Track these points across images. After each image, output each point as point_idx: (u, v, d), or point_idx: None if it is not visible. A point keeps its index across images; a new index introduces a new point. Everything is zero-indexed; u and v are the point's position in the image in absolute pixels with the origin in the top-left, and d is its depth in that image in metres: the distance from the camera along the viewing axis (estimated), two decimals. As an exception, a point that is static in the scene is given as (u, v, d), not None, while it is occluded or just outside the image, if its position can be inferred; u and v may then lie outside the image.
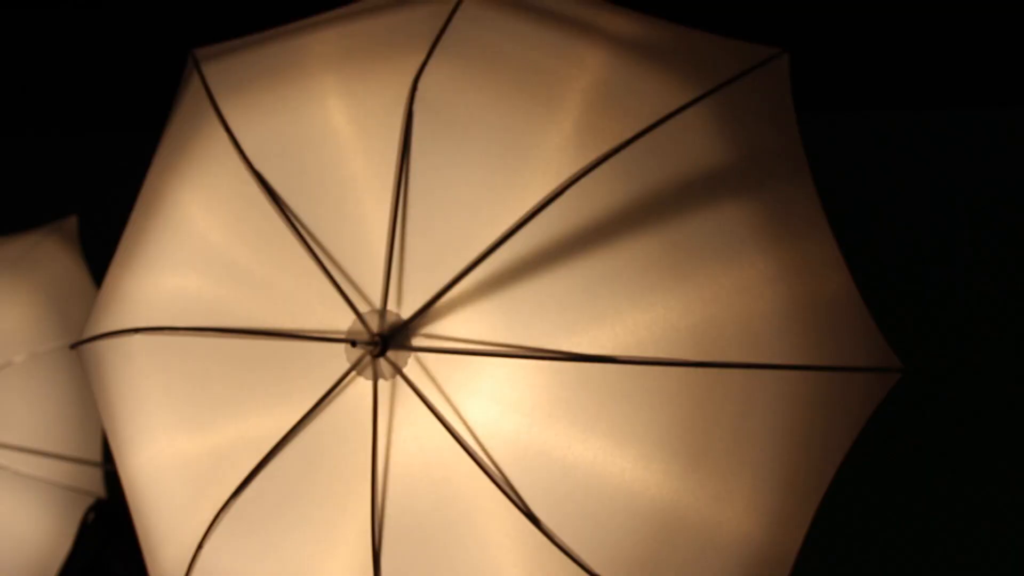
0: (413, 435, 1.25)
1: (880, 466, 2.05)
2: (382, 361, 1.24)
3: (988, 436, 2.01)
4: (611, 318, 1.19)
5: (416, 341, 1.24)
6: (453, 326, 1.23)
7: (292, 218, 1.30)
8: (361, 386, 1.26)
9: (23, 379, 2.08)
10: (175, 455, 1.37)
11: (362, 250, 1.27)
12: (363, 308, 1.26)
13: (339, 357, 1.27)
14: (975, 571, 2.01)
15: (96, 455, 2.13)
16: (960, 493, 2.02)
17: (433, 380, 1.23)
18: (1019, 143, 2.06)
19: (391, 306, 1.25)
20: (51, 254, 2.16)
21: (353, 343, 1.23)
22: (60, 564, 2.09)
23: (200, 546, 1.36)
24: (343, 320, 1.27)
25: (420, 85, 1.28)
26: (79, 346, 1.46)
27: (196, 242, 1.36)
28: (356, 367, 1.26)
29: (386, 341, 1.23)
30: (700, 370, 1.19)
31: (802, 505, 1.25)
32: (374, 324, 1.24)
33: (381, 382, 1.25)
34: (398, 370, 1.24)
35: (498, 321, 1.21)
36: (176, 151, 1.43)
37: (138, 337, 1.38)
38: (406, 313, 1.24)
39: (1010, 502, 1.99)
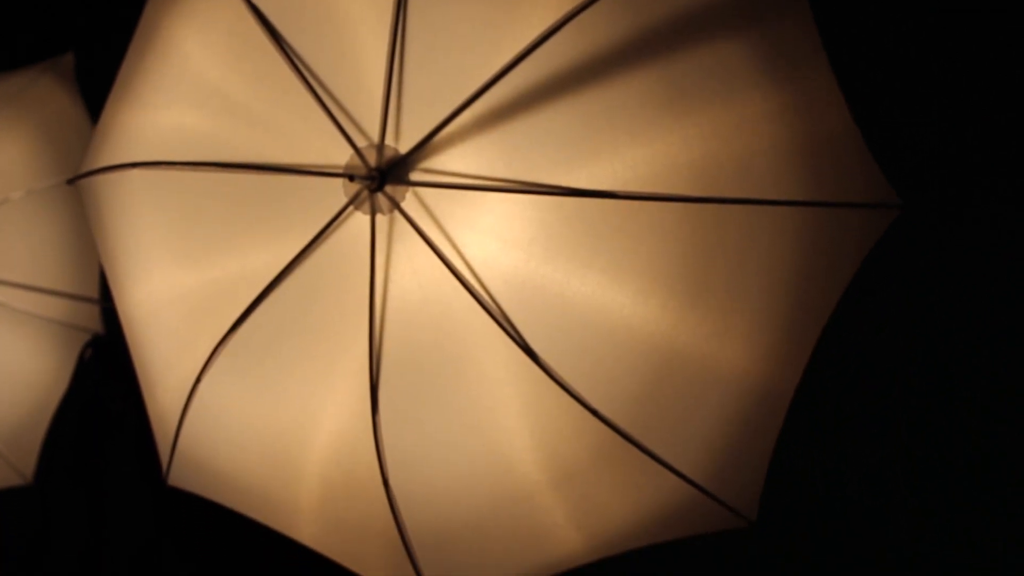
0: (411, 270, 1.25)
1: (879, 305, 2.05)
2: (380, 196, 1.24)
3: (987, 272, 2.01)
4: (609, 153, 1.19)
5: (414, 176, 1.23)
6: (451, 161, 1.22)
7: (290, 54, 1.28)
8: (359, 221, 1.26)
9: (20, 216, 2.08)
10: (172, 290, 1.37)
11: (360, 86, 1.26)
12: (361, 143, 1.25)
13: (336, 192, 1.27)
14: (978, 408, 2.03)
15: (94, 292, 2.14)
16: (959, 329, 2.03)
17: (431, 215, 1.23)
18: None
19: (389, 141, 1.24)
20: (47, 91, 2.15)
21: (351, 177, 1.23)
22: (58, 400, 2.11)
23: (198, 380, 1.37)
24: (341, 155, 1.26)
25: (417, -82, 1.26)
26: (76, 181, 1.46)
27: (193, 78, 1.35)
28: (354, 202, 1.26)
29: (384, 175, 1.23)
30: (699, 206, 1.19)
31: (800, 342, 1.25)
32: (372, 159, 1.24)
33: (379, 217, 1.25)
34: (396, 205, 1.23)
35: (496, 156, 1.21)
36: (172, -14, 1.41)
37: (136, 172, 1.38)
38: (404, 148, 1.23)
39: (1008, 339, 2.00)
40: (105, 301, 2.13)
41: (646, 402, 1.22)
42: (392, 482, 1.29)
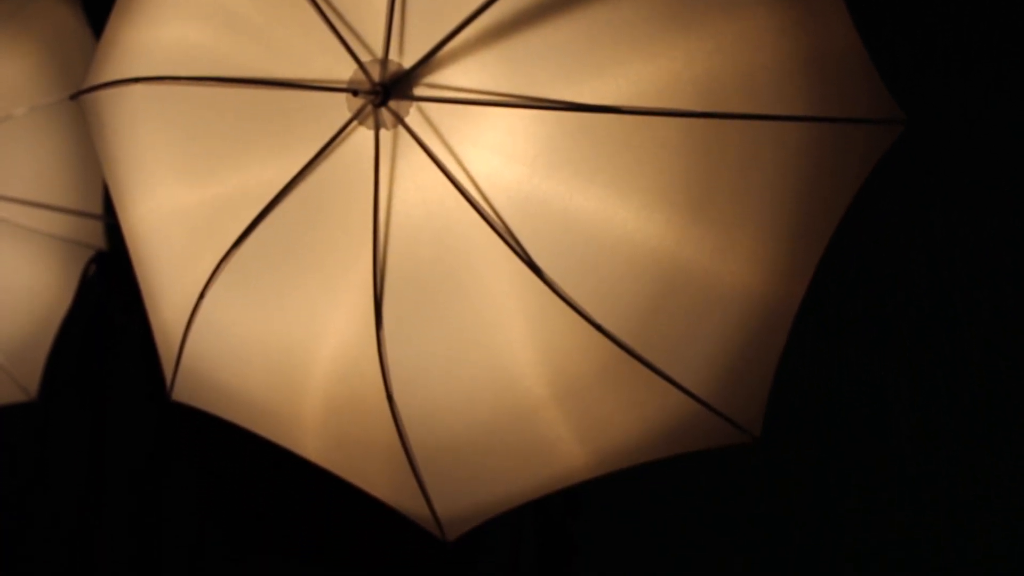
0: (415, 186, 1.25)
1: (883, 221, 2.05)
2: (384, 111, 1.24)
3: (990, 185, 2.01)
4: (613, 68, 1.18)
5: (418, 90, 1.23)
6: (455, 76, 1.22)
7: None
8: (362, 136, 1.26)
9: (24, 133, 2.07)
10: (176, 206, 1.37)
11: (364, 1, 1.25)
12: (365, 58, 1.24)
13: (340, 107, 1.26)
14: (981, 321, 2.03)
15: (97, 208, 2.14)
16: (962, 244, 2.03)
17: (435, 130, 1.23)
18: None
19: (393, 56, 1.23)
20: (50, 7, 2.14)
21: (355, 92, 1.22)
22: (62, 316, 2.11)
23: (201, 296, 1.37)
24: (344, 70, 1.26)
25: None
26: (79, 97, 1.45)
27: None
28: (357, 117, 1.25)
29: (388, 90, 1.22)
30: (703, 122, 1.19)
31: (804, 257, 1.25)
32: (375, 73, 1.23)
33: (383, 132, 1.24)
34: (400, 120, 1.23)
35: (500, 71, 1.20)
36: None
37: (139, 87, 1.37)
38: (408, 62, 1.23)
39: (1009, 251, 2.00)
40: (109, 217, 2.12)
41: (650, 317, 1.23)
42: (396, 397, 1.30)
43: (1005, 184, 1.98)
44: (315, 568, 2.15)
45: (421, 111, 1.23)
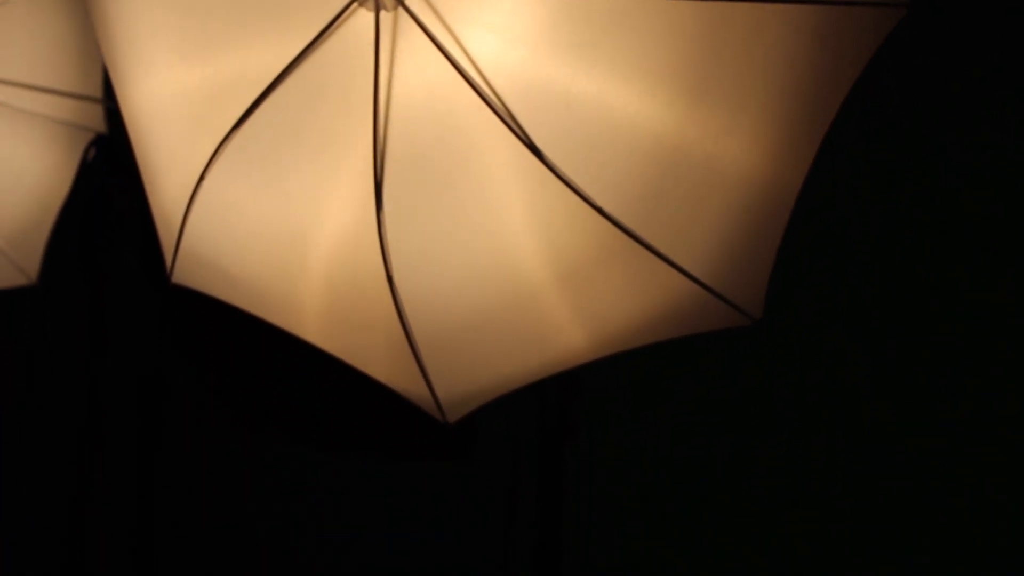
0: (415, 68, 1.24)
1: (885, 104, 2.04)
2: (384, -8, 1.23)
3: (990, 67, 2.00)
4: (616, -52, 1.17)
5: (418, -29, 1.22)
6: None
7: None
8: (362, 18, 1.25)
9: (23, 15, 2.06)
10: (176, 88, 1.36)
11: None
12: (364, -63, 1.23)
13: (340, -12, 1.25)
14: (980, 199, 2.03)
15: (97, 91, 2.12)
16: (963, 128, 2.02)
17: (435, 12, 1.22)
18: None
19: (393, -66, 1.22)
20: None
21: (354, -27, 1.21)
22: (62, 200, 2.11)
23: (201, 178, 1.36)
24: (344, -50, 1.24)
25: None
26: (77, -23, 1.44)
27: None
28: (357, -2, 1.24)
29: (387, -30, 1.21)
30: (705, 3, 1.17)
31: (806, 141, 1.25)
32: (375, -48, 1.22)
33: (383, 14, 1.23)
34: (400, 1, 1.22)
35: None
36: None
37: (137, -33, 1.36)
38: (408, -59, 1.22)
39: (1011, 154, 1.99)
40: (108, 100, 2.12)
41: (651, 200, 1.22)
42: (396, 280, 1.30)
43: (1007, 64, 1.97)
44: (315, 451, 2.16)
45: (421, -8, 1.22)
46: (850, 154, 2.05)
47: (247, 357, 2.09)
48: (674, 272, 1.24)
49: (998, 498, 2.04)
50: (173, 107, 1.37)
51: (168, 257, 1.46)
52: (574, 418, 1.46)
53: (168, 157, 1.41)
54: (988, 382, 2.04)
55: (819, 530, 2.23)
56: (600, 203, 1.22)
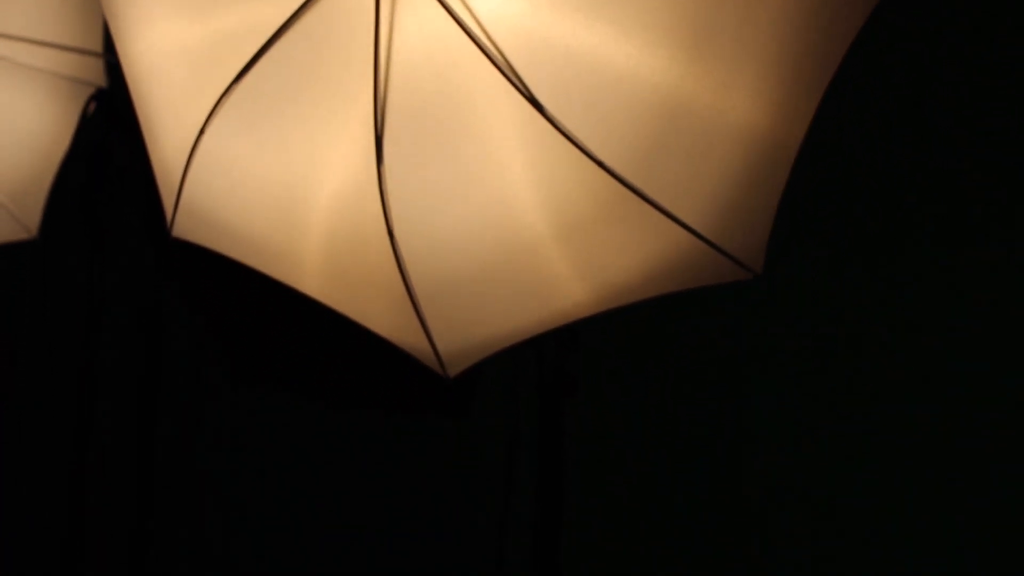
0: (416, 22, 1.24)
1: (885, 57, 2.04)
2: (384, -56, 1.22)
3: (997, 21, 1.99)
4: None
5: (420, -79, 1.21)
6: None
7: None
8: (363, -30, 1.25)
9: (23, -31, 2.06)
10: (176, 41, 1.36)
11: None
12: None
13: (341, -60, 1.25)
14: (982, 147, 2.03)
15: (97, 45, 2.12)
16: (963, 78, 2.02)
17: None
18: None
19: None
20: None
21: (355, -77, 1.21)
22: (62, 155, 2.10)
23: (202, 131, 1.36)
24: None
25: None
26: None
27: None
28: (357, -51, 1.24)
29: (389, -79, 1.21)
30: (708, -44, 1.17)
31: (807, 94, 1.24)
32: (376, -97, 1.22)
33: (383, -34, 1.23)
34: (400, -47, 1.22)
35: None
36: None
37: (137, -82, 1.35)
38: None
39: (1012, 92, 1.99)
40: (109, 54, 2.11)
41: (652, 155, 1.22)
42: (397, 233, 1.30)
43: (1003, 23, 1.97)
44: (314, 403, 2.17)
45: (422, -56, 1.22)
46: (853, 107, 2.04)
47: (247, 312, 2.09)
48: (675, 226, 1.24)
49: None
50: (173, 61, 1.37)
51: (168, 211, 1.46)
52: (574, 373, 1.46)
53: (168, 111, 1.41)
54: (1002, 332, 2.04)
55: (823, 486, 2.23)
56: (601, 157, 1.21)
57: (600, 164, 1.21)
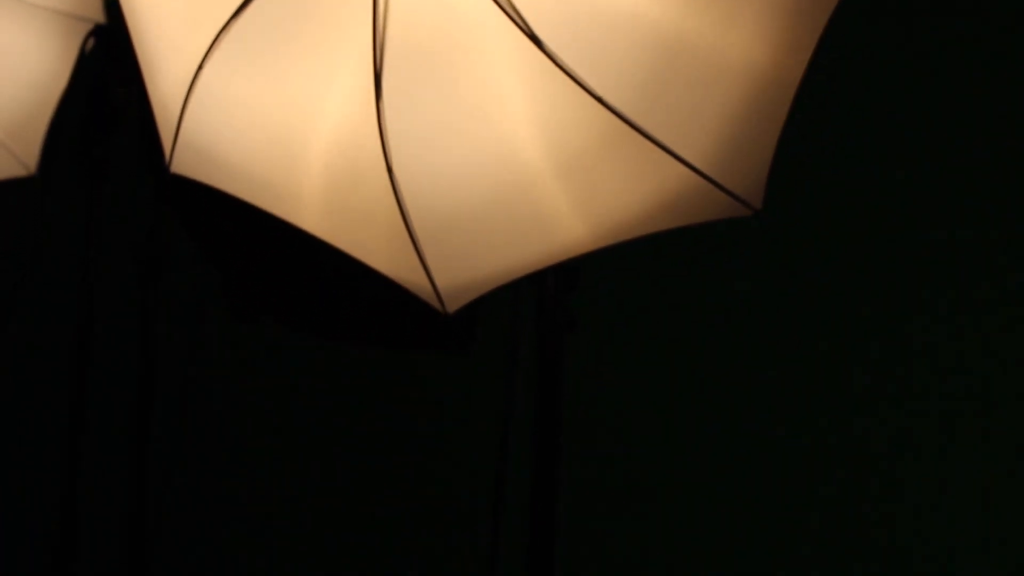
0: (415, -45, 1.23)
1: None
2: None
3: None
4: None
5: None
6: None
7: None
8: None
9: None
10: (174, -25, 1.36)
11: None
12: None
13: None
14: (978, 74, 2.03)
15: (95, -19, 2.12)
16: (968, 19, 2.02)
17: None
18: None
19: None
20: None
21: None
22: (61, 91, 2.10)
23: (200, 66, 1.36)
24: None
25: None
26: None
27: None
28: None
29: None
30: None
31: (808, 31, 1.24)
32: None
33: (383, -102, 1.22)
34: None
35: None
36: None
37: None
38: None
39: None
40: (107, -10, 2.11)
41: (652, 90, 1.22)
42: (396, 169, 1.30)
43: None
44: (313, 338, 2.17)
45: None
46: (853, 42, 2.04)
47: (246, 247, 2.09)
48: (675, 162, 1.24)
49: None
50: (171, -4, 1.37)
51: (167, 147, 1.46)
52: (573, 310, 1.46)
53: (167, 47, 1.40)
54: (998, 275, 2.05)
55: (824, 414, 2.24)
56: (600, 93, 1.21)
57: (600, 100, 1.21)
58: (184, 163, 1.46)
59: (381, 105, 1.27)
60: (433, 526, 2.65)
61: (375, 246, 1.38)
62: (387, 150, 1.29)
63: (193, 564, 2.91)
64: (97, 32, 2.13)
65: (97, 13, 2.13)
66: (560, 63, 1.20)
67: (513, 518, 1.71)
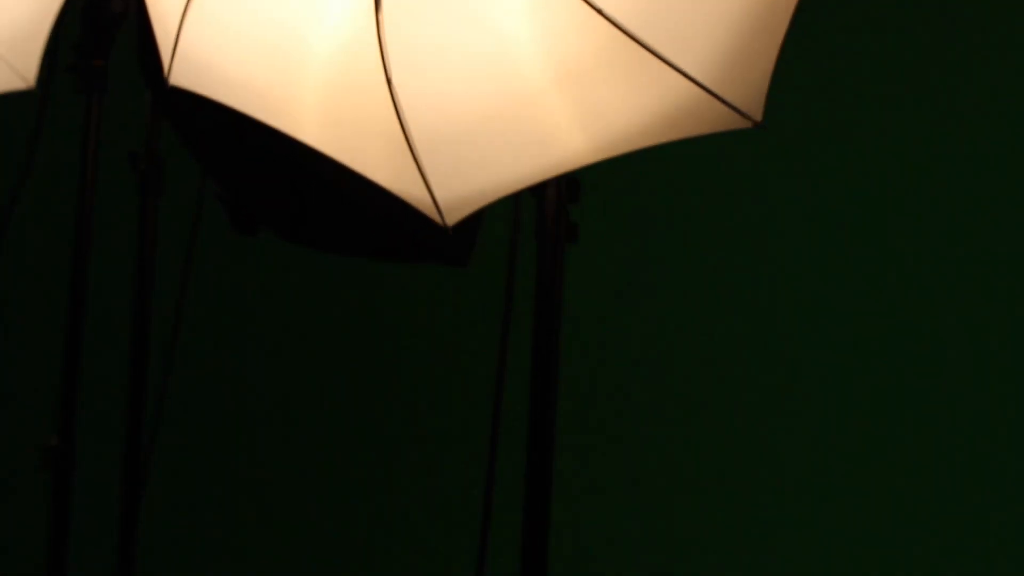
0: None
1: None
2: None
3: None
4: None
5: None
6: None
7: None
8: None
9: None
10: None
11: None
12: None
13: None
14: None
15: None
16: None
17: None
18: None
19: None
20: None
21: None
22: (60, 4, 2.09)
23: None
24: None
25: None
26: None
27: None
28: None
29: None
30: None
31: None
32: None
33: None
34: None
35: None
36: None
37: None
38: None
39: None
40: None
41: (652, 3, 1.22)
42: (395, 81, 1.29)
43: None
44: (311, 246, 2.17)
45: None
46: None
47: (245, 160, 2.08)
48: (675, 74, 1.24)
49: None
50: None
51: (166, 59, 1.45)
52: (573, 221, 1.46)
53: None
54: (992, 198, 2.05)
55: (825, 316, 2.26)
56: (600, 5, 1.21)
57: (600, 12, 1.21)
58: (183, 76, 1.45)
59: (380, 17, 1.27)
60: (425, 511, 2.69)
61: (375, 158, 1.38)
62: (386, 63, 1.29)
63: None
64: (95, -56, 2.12)
65: (95, -75, 2.12)
66: None
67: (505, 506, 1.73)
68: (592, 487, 2.48)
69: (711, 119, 1.27)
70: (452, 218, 1.38)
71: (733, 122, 1.27)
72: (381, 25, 1.27)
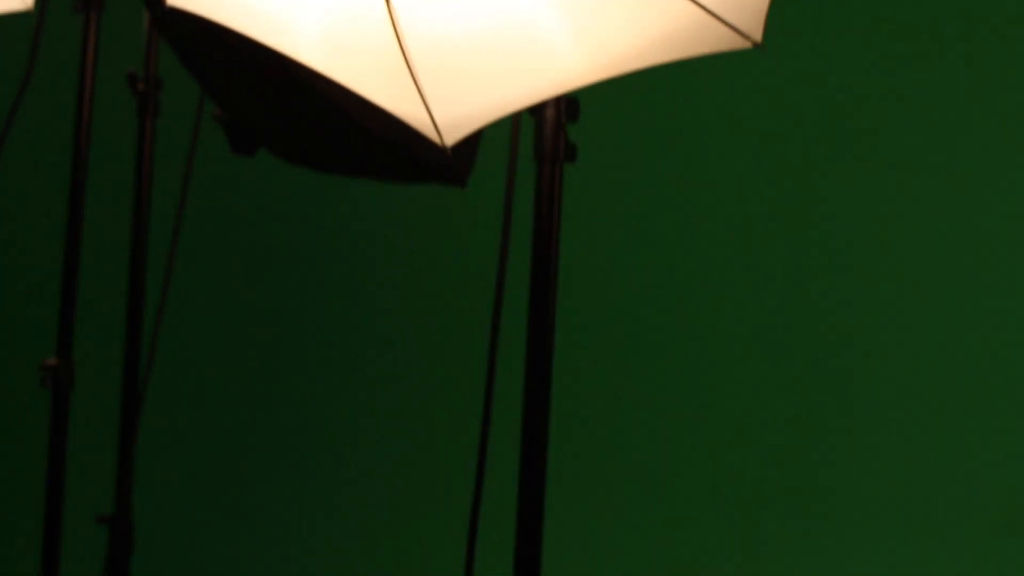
0: None
1: None
2: None
3: None
4: None
5: None
6: None
7: None
8: None
9: None
10: None
11: None
12: None
13: None
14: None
15: None
16: None
17: None
18: None
19: None
20: None
21: None
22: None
23: None
24: None
25: None
26: None
27: None
28: None
29: None
30: None
31: None
32: None
33: None
34: None
35: None
36: None
37: None
38: None
39: None
40: None
41: None
42: (394, 2, 1.29)
43: None
44: (310, 167, 2.17)
45: None
46: None
47: (243, 80, 2.07)
48: (674, -5, 1.24)
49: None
50: None
51: (163, -22, 1.45)
52: (572, 141, 1.46)
53: None
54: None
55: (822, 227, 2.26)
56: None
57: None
58: (181, -5, 1.45)
59: (379, -63, 1.27)
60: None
61: (374, 78, 1.38)
62: (385, -18, 1.29)
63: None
64: None
65: None
66: None
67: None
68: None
69: (711, 39, 1.27)
70: (451, 138, 1.38)
71: (733, 42, 1.27)
72: (380, -55, 1.27)
